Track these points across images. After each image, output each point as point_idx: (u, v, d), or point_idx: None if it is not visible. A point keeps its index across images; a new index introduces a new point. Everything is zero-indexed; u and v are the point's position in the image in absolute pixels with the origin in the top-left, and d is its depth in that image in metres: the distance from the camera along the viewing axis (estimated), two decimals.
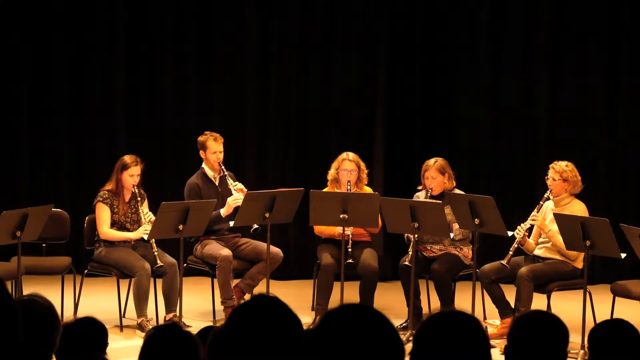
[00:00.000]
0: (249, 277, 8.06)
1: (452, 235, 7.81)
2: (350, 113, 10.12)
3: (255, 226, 7.85)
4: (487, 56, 10.10)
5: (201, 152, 8.17)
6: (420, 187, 8.04)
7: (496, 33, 10.09)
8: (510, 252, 7.52)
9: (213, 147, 8.10)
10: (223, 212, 7.96)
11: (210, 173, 8.16)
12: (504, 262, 7.53)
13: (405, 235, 7.94)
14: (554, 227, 7.45)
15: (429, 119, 10.16)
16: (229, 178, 8.06)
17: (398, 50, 10.11)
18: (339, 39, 10.09)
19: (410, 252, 7.68)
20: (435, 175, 7.89)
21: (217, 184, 8.16)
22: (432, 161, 7.93)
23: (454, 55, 10.10)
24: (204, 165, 8.18)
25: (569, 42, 10.04)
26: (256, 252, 8.03)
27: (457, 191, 7.94)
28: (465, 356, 2.66)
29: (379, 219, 7.79)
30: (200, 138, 8.19)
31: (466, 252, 7.90)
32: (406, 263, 7.71)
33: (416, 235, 7.68)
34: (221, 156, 8.10)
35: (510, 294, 7.65)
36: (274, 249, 7.99)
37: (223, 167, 8.09)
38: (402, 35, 10.11)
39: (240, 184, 8.06)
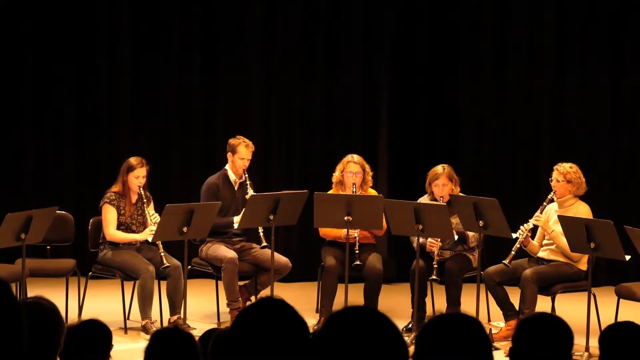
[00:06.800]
0: (258, 282, 8.06)
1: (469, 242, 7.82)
2: (354, 115, 10.11)
3: (265, 243, 7.84)
4: (490, 57, 10.08)
5: (229, 154, 8.12)
6: (427, 197, 7.93)
7: (499, 33, 10.08)
8: (513, 252, 7.51)
9: (243, 153, 8.05)
10: (236, 220, 7.94)
11: (232, 177, 8.13)
12: (506, 261, 7.51)
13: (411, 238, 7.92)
14: (558, 228, 7.44)
15: (433, 121, 10.15)
16: (250, 187, 8.02)
17: (401, 51, 10.11)
18: (343, 41, 10.09)
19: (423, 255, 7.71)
20: (447, 182, 7.77)
21: (236, 188, 8.15)
22: (440, 168, 7.83)
23: (457, 56, 10.09)
24: (227, 167, 8.15)
25: (572, 42, 10.03)
26: (264, 260, 7.97)
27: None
28: (468, 358, 2.66)
29: (384, 221, 7.79)
30: (232, 141, 8.12)
31: (475, 255, 7.88)
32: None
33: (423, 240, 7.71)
34: (247, 164, 8.07)
35: (514, 296, 7.64)
36: (283, 259, 7.99)
37: (246, 174, 8.08)
38: (405, 36, 10.11)
39: None
